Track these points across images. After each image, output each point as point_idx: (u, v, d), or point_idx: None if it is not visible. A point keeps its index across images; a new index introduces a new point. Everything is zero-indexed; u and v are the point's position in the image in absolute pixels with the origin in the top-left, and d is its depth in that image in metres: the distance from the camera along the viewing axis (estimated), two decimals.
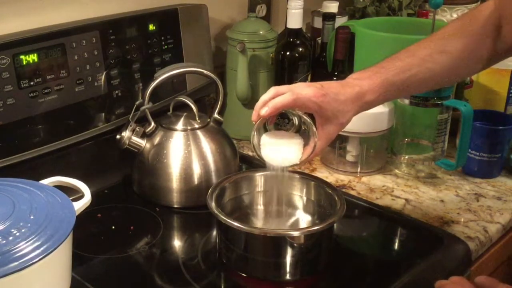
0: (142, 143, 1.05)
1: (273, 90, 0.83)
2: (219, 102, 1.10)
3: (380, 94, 0.85)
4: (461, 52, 0.86)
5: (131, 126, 1.05)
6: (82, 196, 0.82)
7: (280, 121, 1.18)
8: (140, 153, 1.05)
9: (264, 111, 0.81)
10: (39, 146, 1.00)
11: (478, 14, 0.88)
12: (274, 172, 0.89)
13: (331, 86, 0.83)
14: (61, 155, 1.04)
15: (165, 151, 1.04)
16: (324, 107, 0.82)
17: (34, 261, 0.66)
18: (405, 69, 0.85)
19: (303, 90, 0.82)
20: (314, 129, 0.85)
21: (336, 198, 0.90)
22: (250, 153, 1.25)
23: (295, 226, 0.96)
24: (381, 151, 1.19)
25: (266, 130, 0.89)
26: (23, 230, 0.69)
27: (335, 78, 1.20)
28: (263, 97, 0.83)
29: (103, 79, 1.08)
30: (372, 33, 1.22)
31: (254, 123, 0.84)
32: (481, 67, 0.92)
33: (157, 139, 1.05)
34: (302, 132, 0.88)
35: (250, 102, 1.28)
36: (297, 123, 0.88)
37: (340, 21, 1.40)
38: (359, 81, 0.85)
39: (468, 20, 0.88)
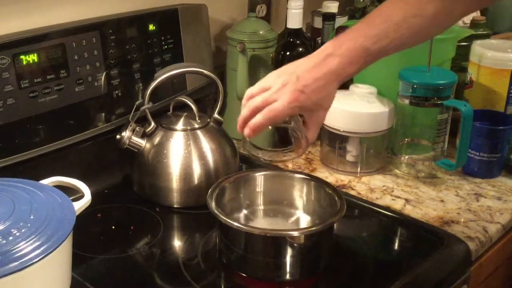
0: (142, 143, 1.05)
1: (247, 107, 0.83)
2: (219, 102, 1.10)
3: (360, 66, 0.83)
4: (436, 15, 0.83)
5: (131, 126, 1.05)
6: (82, 196, 0.82)
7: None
8: (140, 153, 1.05)
9: (247, 133, 0.82)
10: (39, 146, 1.00)
11: None
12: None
13: (307, 72, 0.81)
14: (61, 155, 1.04)
15: (165, 151, 1.04)
16: (305, 105, 0.81)
17: (34, 261, 0.66)
18: (382, 36, 0.82)
19: (279, 98, 0.80)
20: (301, 125, 0.85)
21: (336, 198, 0.90)
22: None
23: (295, 226, 0.96)
24: (381, 151, 1.19)
25: None
26: (23, 230, 0.69)
27: None
28: (242, 114, 0.84)
29: (103, 79, 1.08)
30: None
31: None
32: (455, 23, 0.90)
33: (157, 139, 1.05)
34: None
35: None
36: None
37: (340, 21, 1.40)
38: (337, 52, 0.81)
39: None
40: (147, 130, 1.06)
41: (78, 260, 0.83)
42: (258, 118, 0.81)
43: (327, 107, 0.84)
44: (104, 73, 1.08)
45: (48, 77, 1.00)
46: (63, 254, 0.73)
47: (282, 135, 0.94)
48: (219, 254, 0.91)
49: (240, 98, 1.26)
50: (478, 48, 1.26)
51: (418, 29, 0.83)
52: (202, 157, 1.04)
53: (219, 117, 1.10)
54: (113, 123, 1.10)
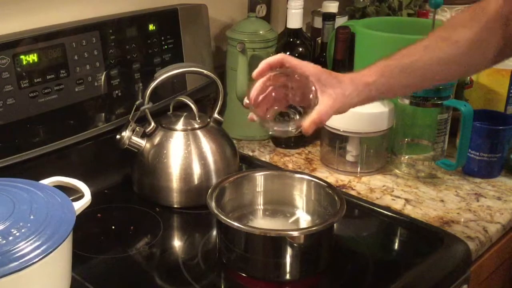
0: (142, 143, 1.05)
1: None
2: (219, 102, 1.10)
3: (378, 77, 0.83)
4: (468, 42, 0.83)
5: (131, 126, 1.05)
6: (82, 196, 0.82)
7: (280, 119, 1.17)
8: (140, 153, 1.05)
9: (255, 72, 0.83)
10: (39, 146, 1.00)
11: (486, 7, 0.85)
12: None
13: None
14: (61, 155, 1.04)
15: (165, 151, 1.04)
16: (320, 73, 0.82)
17: (34, 261, 0.66)
18: (405, 54, 0.83)
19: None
20: (313, 88, 0.83)
21: (336, 198, 0.90)
22: (250, 153, 1.26)
23: (295, 226, 0.96)
24: (381, 151, 1.19)
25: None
26: (23, 230, 0.69)
27: None
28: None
29: (103, 79, 1.08)
30: (372, 33, 1.22)
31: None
32: (486, 62, 0.88)
33: (157, 139, 1.05)
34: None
35: None
36: (298, 117, 0.85)
37: (340, 21, 1.40)
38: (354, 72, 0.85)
39: (477, 12, 0.86)
40: (147, 130, 1.06)
41: (78, 260, 0.83)
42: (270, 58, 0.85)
43: (343, 93, 0.84)
44: (104, 73, 1.08)
45: (48, 77, 1.00)
46: (63, 254, 0.73)
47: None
48: (219, 254, 0.91)
49: (240, 98, 1.26)
50: None
51: (449, 54, 0.84)
52: (202, 157, 1.04)
53: (219, 117, 1.10)
54: (113, 123, 1.10)
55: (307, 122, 0.81)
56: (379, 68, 0.84)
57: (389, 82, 0.84)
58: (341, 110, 0.84)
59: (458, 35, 0.84)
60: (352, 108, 1.02)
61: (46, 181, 0.84)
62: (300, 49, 1.26)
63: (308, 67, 0.83)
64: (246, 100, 0.85)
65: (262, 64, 0.83)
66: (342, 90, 0.83)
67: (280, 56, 0.84)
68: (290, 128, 0.84)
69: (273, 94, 0.84)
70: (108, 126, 1.10)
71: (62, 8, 1.08)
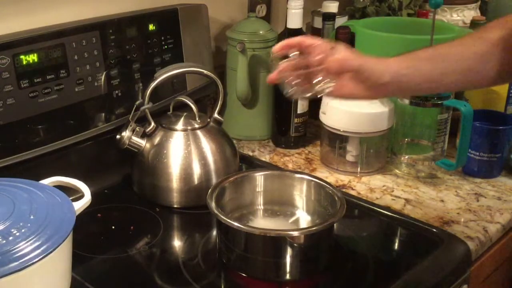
0: (142, 143, 1.05)
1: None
2: (219, 102, 1.10)
3: (402, 57, 0.84)
4: (497, 40, 0.83)
5: (131, 126, 1.05)
6: (82, 196, 0.82)
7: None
8: (140, 153, 1.05)
9: (277, 47, 0.84)
10: (39, 146, 1.00)
11: None
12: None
13: None
14: (61, 155, 1.04)
15: (165, 151, 1.04)
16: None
17: (34, 261, 0.66)
18: (432, 47, 0.85)
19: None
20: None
21: (336, 198, 0.90)
22: (250, 153, 1.26)
23: (295, 226, 0.96)
24: (381, 151, 1.19)
25: None
26: (23, 230, 0.69)
27: None
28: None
29: (103, 79, 1.08)
30: (372, 33, 1.22)
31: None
32: (490, 77, 0.86)
33: (157, 139, 1.05)
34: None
35: (250, 102, 1.28)
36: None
37: (340, 21, 1.40)
38: None
39: (507, 19, 0.86)
40: (147, 130, 1.06)
41: (78, 260, 0.83)
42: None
43: (361, 56, 0.85)
44: (104, 73, 1.08)
45: (48, 77, 1.00)
46: (63, 254, 0.73)
47: None
48: (219, 254, 0.91)
49: (240, 98, 1.26)
50: None
51: (481, 50, 0.84)
52: (202, 157, 1.04)
53: (219, 117, 1.10)
54: (113, 123, 1.10)
55: (331, 59, 0.82)
56: (405, 53, 0.84)
57: (413, 64, 0.84)
58: (369, 72, 0.83)
59: (489, 35, 0.84)
60: (351, 109, 1.00)
61: (46, 181, 0.84)
62: None
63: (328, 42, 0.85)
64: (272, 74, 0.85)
65: (283, 42, 0.85)
66: (361, 57, 0.84)
67: (299, 37, 0.85)
68: (323, 85, 0.84)
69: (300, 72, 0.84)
70: (108, 126, 1.10)
71: (62, 8, 1.08)
